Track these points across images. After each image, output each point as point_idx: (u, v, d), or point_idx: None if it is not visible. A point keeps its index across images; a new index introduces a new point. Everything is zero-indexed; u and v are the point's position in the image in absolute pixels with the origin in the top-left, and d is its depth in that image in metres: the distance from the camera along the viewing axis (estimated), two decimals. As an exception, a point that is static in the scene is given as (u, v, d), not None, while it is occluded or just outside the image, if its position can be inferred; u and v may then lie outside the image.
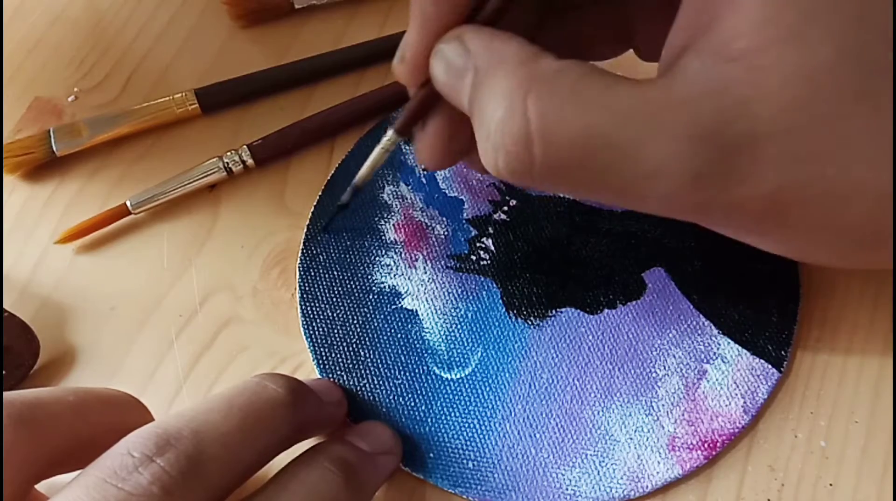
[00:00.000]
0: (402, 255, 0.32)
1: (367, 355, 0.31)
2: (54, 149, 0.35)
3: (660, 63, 0.24)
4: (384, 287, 0.32)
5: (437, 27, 0.24)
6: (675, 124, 0.21)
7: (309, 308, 0.32)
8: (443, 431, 0.29)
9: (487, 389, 0.30)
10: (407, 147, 0.35)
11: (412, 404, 0.30)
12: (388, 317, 0.31)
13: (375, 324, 0.31)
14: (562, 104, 0.21)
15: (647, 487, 0.28)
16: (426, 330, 0.31)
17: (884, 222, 0.21)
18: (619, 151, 0.21)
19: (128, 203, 0.34)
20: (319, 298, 0.32)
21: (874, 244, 0.22)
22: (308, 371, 0.31)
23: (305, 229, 0.33)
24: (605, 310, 0.31)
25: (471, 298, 0.31)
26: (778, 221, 0.22)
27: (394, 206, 0.33)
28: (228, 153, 0.34)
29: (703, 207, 0.22)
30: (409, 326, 0.31)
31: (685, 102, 0.21)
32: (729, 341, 0.30)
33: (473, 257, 0.32)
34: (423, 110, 0.26)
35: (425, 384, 0.30)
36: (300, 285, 0.32)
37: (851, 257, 0.24)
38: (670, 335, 0.30)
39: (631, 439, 0.29)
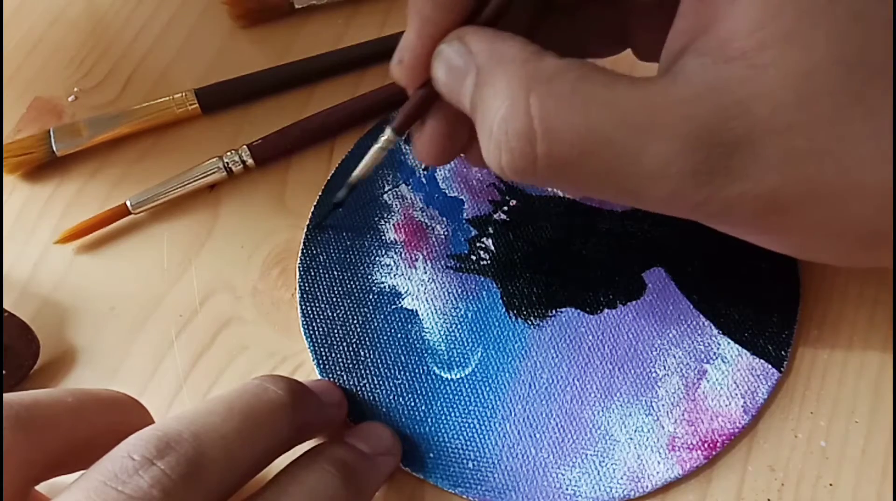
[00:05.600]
0: (402, 255, 0.32)
1: (367, 355, 0.31)
2: (54, 149, 0.35)
3: (659, 65, 0.24)
4: (384, 287, 0.32)
5: (435, 30, 0.24)
6: (674, 123, 0.21)
7: (309, 308, 0.32)
8: (443, 431, 0.29)
9: (487, 389, 0.30)
10: (407, 147, 0.35)
11: (412, 404, 0.30)
12: (388, 317, 0.31)
13: (375, 324, 0.31)
14: (563, 102, 0.21)
15: (647, 487, 0.28)
16: (426, 330, 0.31)
17: (882, 222, 0.21)
18: (620, 149, 0.21)
19: (128, 203, 0.34)
20: (319, 298, 0.32)
21: (873, 244, 0.23)
22: (308, 371, 0.31)
23: (305, 229, 0.33)
24: (605, 310, 0.31)
25: (471, 298, 0.31)
26: (777, 220, 0.22)
27: (394, 206, 0.33)
28: (228, 153, 0.34)
29: (703, 205, 0.22)
30: (409, 326, 0.31)
31: (684, 102, 0.21)
32: (729, 341, 0.30)
33: (473, 257, 0.32)
34: (421, 111, 0.26)
35: (425, 384, 0.30)
36: (300, 285, 0.32)
37: (851, 256, 0.24)
38: (670, 335, 0.30)
39: (631, 439, 0.29)
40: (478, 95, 0.23)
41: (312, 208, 0.34)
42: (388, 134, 0.28)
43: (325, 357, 0.31)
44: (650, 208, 0.23)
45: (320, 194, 0.34)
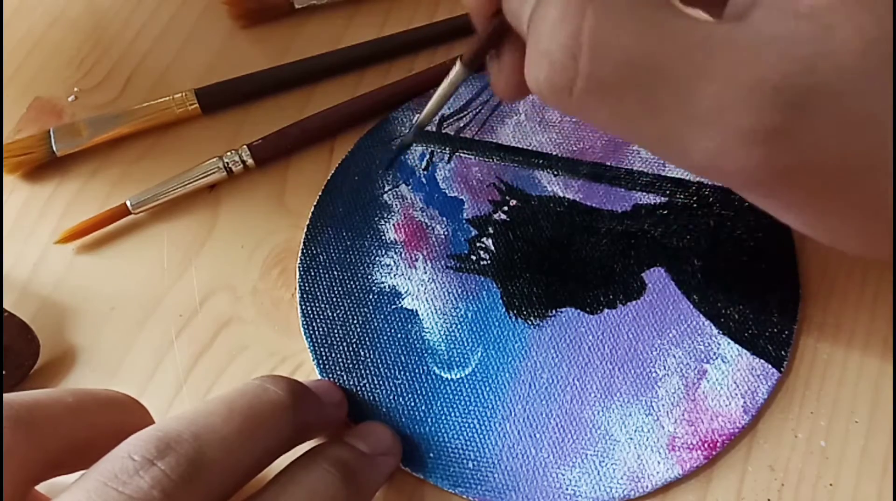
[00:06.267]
0: (402, 255, 0.32)
1: (367, 355, 0.31)
2: (54, 149, 0.35)
3: (725, 13, 0.23)
4: (384, 287, 0.32)
5: None
6: (736, 68, 0.20)
7: (309, 308, 0.32)
8: (443, 431, 0.29)
9: (487, 389, 0.30)
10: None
11: (412, 404, 0.30)
12: (388, 317, 0.31)
13: (375, 324, 0.31)
14: (621, 20, 0.20)
15: (647, 487, 0.28)
16: (426, 330, 0.31)
17: None
18: (672, 82, 0.20)
19: (128, 203, 0.34)
20: (319, 298, 0.32)
21: None
22: (308, 371, 0.31)
23: (305, 229, 0.33)
24: (605, 310, 0.31)
25: (471, 298, 0.31)
26: (826, 196, 0.21)
27: (394, 206, 0.33)
28: (228, 153, 0.34)
29: (750, 169, 0.20)
30: (409, 326, 0.31)
31: (749, 48, 0.20)
32: (729, 341, 0.30)
33: (473, 257, 0.32)
34: (492, 42, 0.26)
35: (425, 384, 0.30)
36: (300, 285, 0.32)
37: (885, 243, 0.23)
38: (670, 335, 0.30)
39: (631, 439, 0.29)
40: (536, 11, 0.21)
41: (312, 208, 0.34)
42: (458, 67, 0.27)
43: (325, 357, 0.31)
44: (688, 163, 0.21)
45: (320, 194, 0.34)
